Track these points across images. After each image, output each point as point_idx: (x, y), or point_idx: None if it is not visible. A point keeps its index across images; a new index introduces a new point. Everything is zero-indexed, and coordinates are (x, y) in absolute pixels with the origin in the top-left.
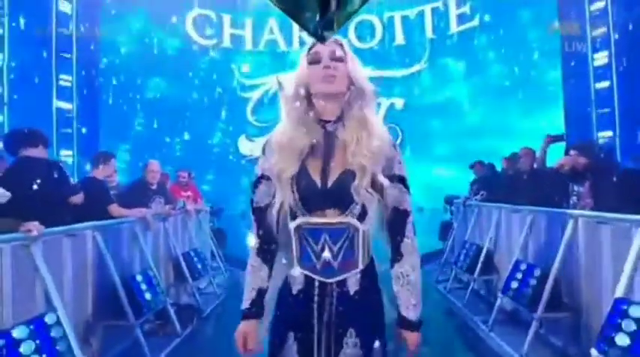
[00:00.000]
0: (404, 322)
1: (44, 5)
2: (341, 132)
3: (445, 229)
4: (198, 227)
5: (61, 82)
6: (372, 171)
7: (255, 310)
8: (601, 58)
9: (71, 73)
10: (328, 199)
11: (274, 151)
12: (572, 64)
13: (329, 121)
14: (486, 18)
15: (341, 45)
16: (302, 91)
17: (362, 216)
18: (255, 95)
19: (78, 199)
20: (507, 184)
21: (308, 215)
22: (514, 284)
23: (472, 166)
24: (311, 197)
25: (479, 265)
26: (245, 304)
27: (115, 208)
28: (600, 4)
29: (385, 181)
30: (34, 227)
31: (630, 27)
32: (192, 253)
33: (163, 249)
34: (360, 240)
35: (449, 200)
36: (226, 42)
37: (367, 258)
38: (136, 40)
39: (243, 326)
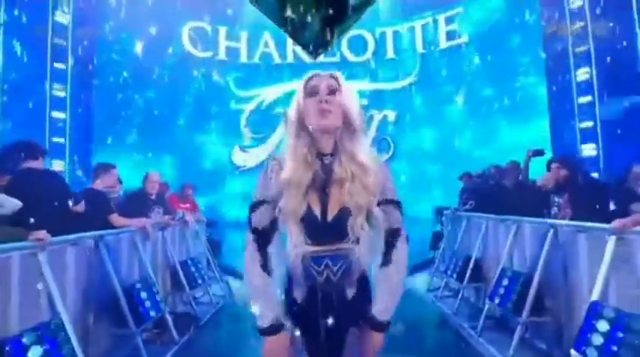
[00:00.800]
0: (374, 322)
1: (41, 15)
2: (337, 166)
3: (436, 239)
4: (196, 237)
5: (55, 92)
6: (367, 207)
7: (277, 325)
8: (582, 74)
9: (65, 83)
10: (328, 232)
11: (285, 189)
12: (558, 78)
13: (326, 155)
14: (474, 35)
15: (337, 79)
16: (301, 126)
17: (357, 240)
18: (249, 107)
19: (79, 208)
20: (494, 195)
21: (310, 245)
22: (501, 291)
23: (461, 178)
24: (313, 230)
25: (468, 273)
26: (265, 322)
27: (115, 218)
28: (581, 23)
29: (379, 213)
30: (44, 236)
31: (608, 60)
32: (189, 262)
33: (161, 258)
34: (357, 260)
35: (439, 211)
36: (222, 54)
37: (361, 271)
38: (130, 52)
39: (272, 343)
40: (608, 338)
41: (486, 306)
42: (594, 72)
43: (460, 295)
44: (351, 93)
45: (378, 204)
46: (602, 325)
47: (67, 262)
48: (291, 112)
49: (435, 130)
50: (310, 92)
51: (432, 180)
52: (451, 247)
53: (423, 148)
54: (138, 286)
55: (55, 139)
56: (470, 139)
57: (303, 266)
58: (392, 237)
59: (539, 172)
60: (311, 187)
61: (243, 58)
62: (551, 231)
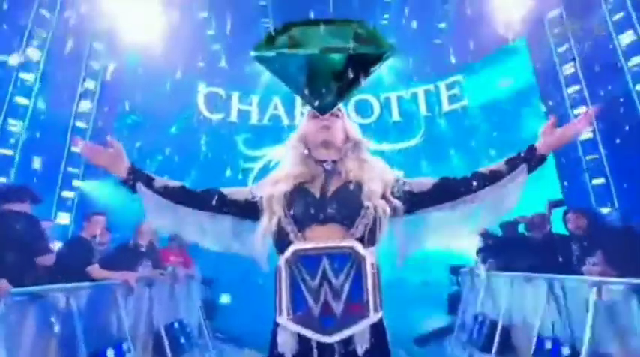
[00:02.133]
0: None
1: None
2: (340, 165)
3: (453, 301)
4: (187, 296)
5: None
6: (381, 192)
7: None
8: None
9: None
10: (328, 210)
11: (267, 181)
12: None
13: (326, 161)
14: (475, 97)
15: (339, 108)
16: (302, 142)
17: (369, 241)
18: (257, 166)
19: (47, 260)
20: (521, 250)
21: (302, 238)
22: None
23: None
24: (308, 209)
25: (496, 342)
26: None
27: (96, 270)
28: (576, 87)
29: (398, 203)
30: (3, 285)
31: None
32: (176, 325)
33: (145, 318)
34: (368, 273)
35: (455, 270)
36: (233, 117)
37: (379, 302)
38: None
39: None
40: None
41: None
42: (596, 128)
43: None
44: (350, 120)
45: (399, 197)
46: None
47: (28, 317)
48: (294, 135)
49: None
50: (313, 116)
51: None
52: (472, 310)
53: None
54: (109, 353)
55: (65, 194)
56: None
57: (289, 279)
58: (441, 181)
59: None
60: (310, 182)
61: (254, 120)
62: (594, 290)
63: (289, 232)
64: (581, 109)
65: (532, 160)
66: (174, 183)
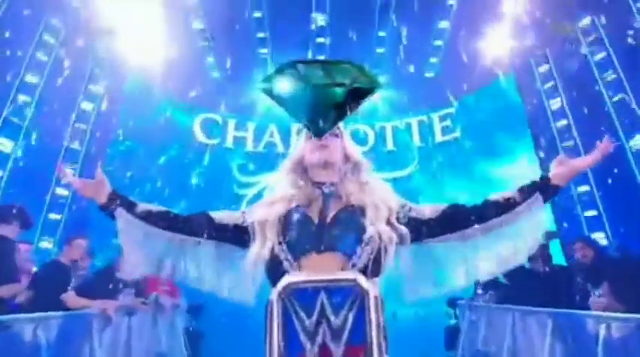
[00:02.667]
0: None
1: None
2: (341, 192)
3: (451, 336)
4: (170, 327)
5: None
6: (386, 217)
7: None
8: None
9: (77, 161)
10: (327, 236)
11: (260, 204)
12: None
13: (324, 183)
14: (467, 129)
15: (337, 126)
16: (299, 163)
17: (372, 272)
18: (251, 192)
19: (11, 290)
20: (519, 282)
21: (297, 267)
22: None
23: None
24: (304, 235)
25: None
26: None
27: (71, 298)
28: (564, 122)
29: (404, 230)
30: None
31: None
32: None
33: (122, 351)
34: (372, 310)
35: (452, 302)
36: (229, 143)
37: (384, 346)
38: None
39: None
40: None
41: None
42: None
43: None
44: (350, 138)
45: (405, 219)
46: None
47: None
48: (292, 154)
49: None
50: (312, 135)
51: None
52: (472, 346)
53: None
54: None
55: (52, 216)
56: None
57: (282, 317)
58: (452, 206)
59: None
60: (307, 206)
61: (249, 147)
62: (603, 326)
63: (283, 260)
64: (569, 143)
65: (547, 189)
66: (158, 207)
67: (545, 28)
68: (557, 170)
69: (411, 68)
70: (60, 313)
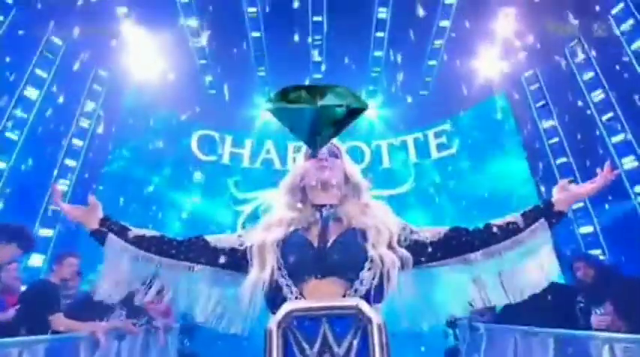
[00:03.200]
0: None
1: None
2: (341, 215)
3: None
4: (162, 350)
5: (61, 187)
6: (387, 240)
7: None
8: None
9: (71, 178)
10: (328, 261)
11: (258, 227)
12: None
13: (324, 206)
14: (462, 146)
15: (337, 146)
16: (298, 184)
17: (375, 298)
18: (247, 208)
19: None
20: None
21: (298, 294)
22: None
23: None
24: (304, 260)
25: None
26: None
27: (59, 320)
28: (555, 139)
29: (406, 253)
30: None
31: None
32: None
33: None
34: (375, 338)
35: (451, 322)
36: (225, 159)
37: None
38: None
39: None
40: None
41: None
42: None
43: None
44: (349, 159)
45: (405, 241)
46: None
47: None
48: (290, 174)
49: None
50: (311, 155)
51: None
52: None
53: None
54: None
55: (43, 232)
56: None
57: (282, 348)
58: (453, 231)
59: None
60: (307, 230)
61: (246, 163)
62: (606, 347)
63: (283, 286)
64: (562, 160)
65: (551, 215)
66: (152, 232)
67: (535, 49)
68: (560, 196)
69: (407, 86)
70: (46, 336)
